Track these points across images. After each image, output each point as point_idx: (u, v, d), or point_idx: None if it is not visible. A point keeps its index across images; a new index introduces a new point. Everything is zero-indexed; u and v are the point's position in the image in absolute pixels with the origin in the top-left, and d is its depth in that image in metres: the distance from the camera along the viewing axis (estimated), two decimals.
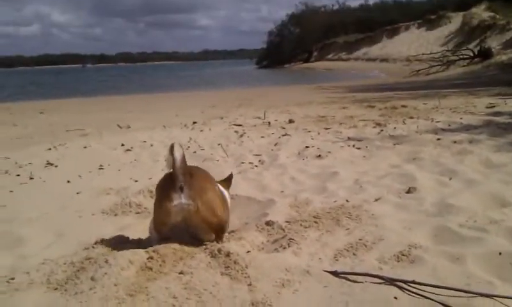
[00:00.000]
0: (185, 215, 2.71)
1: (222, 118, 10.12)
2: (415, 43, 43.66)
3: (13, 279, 2.65)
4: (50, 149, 7.07)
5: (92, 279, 2.47)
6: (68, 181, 4.95)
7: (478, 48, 28.41)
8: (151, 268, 2.50)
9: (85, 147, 7.15)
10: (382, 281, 2.27)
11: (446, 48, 33.60)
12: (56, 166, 5.74)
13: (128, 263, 2.57)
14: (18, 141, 8.43)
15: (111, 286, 2.37)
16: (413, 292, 2.15)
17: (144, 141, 7.35)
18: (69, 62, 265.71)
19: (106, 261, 2.58)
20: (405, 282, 2.22)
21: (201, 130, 8.26)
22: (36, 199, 4.37)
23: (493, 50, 27.17)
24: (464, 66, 27.30)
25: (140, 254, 2.65)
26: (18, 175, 5.33)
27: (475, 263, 2.45)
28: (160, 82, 39.10)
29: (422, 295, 2.12)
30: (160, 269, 2.50)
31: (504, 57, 25.31)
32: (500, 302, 2.05)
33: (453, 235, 2.85)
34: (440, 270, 2.37)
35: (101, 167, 5.56)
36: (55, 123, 11.10)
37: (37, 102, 20.22)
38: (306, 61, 66.77)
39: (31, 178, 5.17)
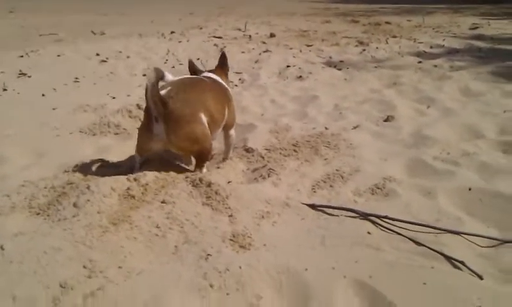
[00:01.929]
0: (163, 144, 2.71)
1: (201, 28, 9.84)
2: None
3: None
4: (22, 56, 6.84)
5: (75, 205, 2.49)
6: (43, 95, 4.85)
7: None
8: (133, 196, 2.53)
9: (59, 55, 6.93)
10: (357, 215, 2.36)
11: None
12: (30, 76, 5.59)
13: (111, 191, 2.59)
14: None
15: (94, 213, 2.40)
16: (385, 228, 2.25)
17: (120, 51, 7.15)
18: None
19: (88, 188, 2.60)
20: (378, 217, 2.32)
21: (179, 41, 8.04)
22: (11, 114, 4.28)
23: None
24: None
25: (122, 182, 2.67)
26: None
27: (446, 198, 2.55)
28: None
29: (394, 231, 2.22)
30: (142, 197, 2.54)
31: None
32: (466, 239, 2.17)
33: (426, 168, 2.94)
34: (412, 205, 2.47)
35: (76, 80, 5.44)
36: (27, 26, 10.63)
37: None
38: None
39: (5, 89, 5.03)
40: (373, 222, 2.31)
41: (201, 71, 3.27)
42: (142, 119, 2.85)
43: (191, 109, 2.71)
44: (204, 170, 2.83)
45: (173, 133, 2.62)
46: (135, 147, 2.92)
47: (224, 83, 3.21)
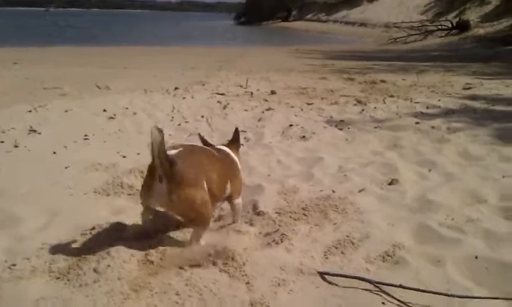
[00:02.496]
0: (163, 203, 2.77)
1: (204, 85, 10.10)
2: (395, 9, 43.49)
3: (14, 265, 2.72)
4: (30, 111, 7.00)
5: (95, 271, 2.57)
6: (54, 153, 4.96)
7: (457, 19, 28.71)
8: (152, 262, 2.62)
9: (66, 111, 7.09)
10: (370, 283, 2.44)
11: (425, 17, 33.88)
12: (40, 133, 5.71)
13: (130, 256, 2.68)
14: None
15: (114, 279, 2.48)
16: (398, 300, 2.33)
17: (127, 108, 7.32)
18: (29, 4, 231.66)
19: (108, 253, 2.69)
20: (393, 286, 2.40)
21: (184, 98, 8.26)
22: (23, 172, 4.38)
23: (471, 22, 27.51)
24: (442, 37, 27.63)
25: (141, 247, 2.77)
26: (2, 142, 5.30)
27: (454, 266, 2.65)
28: (137, 34, 38.20)
29: (407, 303, 2.31)
30: (160, 263, 2.62)
31: (481, 31, 25.70)
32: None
33: (433, 234, 3.05)
34: (423, 273, 2.56)
35: (86, 137, 5.57)
36: (31, 78, 10.86)
37: (5, 49, 19.55)
38: (285, 19, 65.99)
39: (16, 146, 5.15)
40: (386, 293, 2.38)
41: (212, 145, 3.36)
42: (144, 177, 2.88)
43: (195, 173, 2.76)
44: (202, 242, 2.83)
45: (175, 194, 2.64)
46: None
47: (234, 157, 3.33)
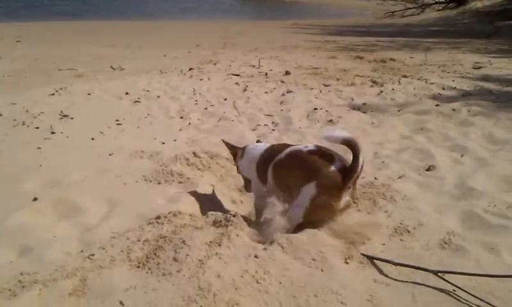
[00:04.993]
0: (344, 207, 3.06)
1: (215, 64, 10.17)
2: None
3: (93, 255, 2.86)
4: (53, 94, 7.07)
5: (175, 260, 2.73)
6: (93, 139, 5.07)
7: None
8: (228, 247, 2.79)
9: (89, 94, 7.16)
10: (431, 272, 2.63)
11: None
12: (72, 118, 5.81)
13: (204, 244, 2.84)
14: (13, 79, 8.31)
15: (195, 267, 2.64)
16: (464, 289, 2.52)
17: (148, 90, 7.42)
18: None
19: (184, 242, 2.85)
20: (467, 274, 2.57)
21: (201, 79, 8.34)
22: (69, 159, 4.50)
23: None
24: (439, 10, 27.62)
25: (212, 234, 2.93)
26: (37, 128, 5.40)
27: (508, 252, 2.84)
28: (130, 7, 37.57)
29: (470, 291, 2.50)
30: (233, 251, 2.78)
31: (478, 4, 25.74)
32: None
33: (481, 221, 3.23)
34: (483, 260, 2.75)
35: (118, 123, 5.67)
36: (41, 58, 10.84)
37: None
38: None
39: (53, 132, 5.24)
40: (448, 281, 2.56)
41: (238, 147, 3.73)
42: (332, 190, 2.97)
43: None
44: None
45: (353, 196, 3.12)
46: (298, 212, 3.04)
47: None
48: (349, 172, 2.94)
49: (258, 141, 3.86)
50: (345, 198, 2.99)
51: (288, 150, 3.26)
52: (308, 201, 2.95)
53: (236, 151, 3.69)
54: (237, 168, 3.74)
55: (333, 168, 2.95)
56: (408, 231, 3.12)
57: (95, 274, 2.68)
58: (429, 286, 2.52)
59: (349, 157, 3.00)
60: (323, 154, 3.06)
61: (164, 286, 2.54)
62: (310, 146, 3.19)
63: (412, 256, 2.82)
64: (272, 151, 3.38)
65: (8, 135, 5.17)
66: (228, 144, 3.76)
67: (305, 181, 2.98)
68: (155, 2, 42.25)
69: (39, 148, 4.79)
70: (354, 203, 3.51)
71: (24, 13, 25.99)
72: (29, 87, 7.45)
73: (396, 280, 2.59)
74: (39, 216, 3.40)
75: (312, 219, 3.03)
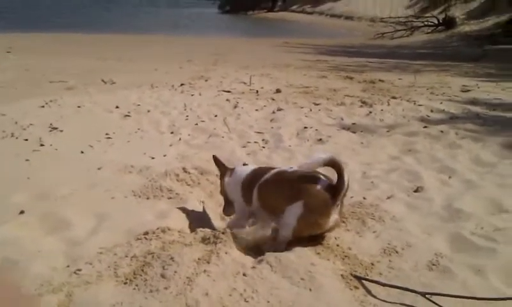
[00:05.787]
0: (333, 225, 3.11)
1: (206, 80, 10.21)
2: (380, 2, 43.83)
3: (79, 270, 2.83)
4: (43, 106, 7.04)
5: (163, 276, 2.71)
6: (82, 152, 5.05)
7: (443, 15, 29.18)
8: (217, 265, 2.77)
9: (79, 106, 7.15)
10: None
11: (411, 12, 34.35)
12: (61, 131, 5.78)
13: (192, 261, 2.83)
14: (3, 90, 8.31)
15: (183, 285, 2.63)
16: None
17: (138, 105, 7.42)
18: None
19: (172, 259, 2.83)
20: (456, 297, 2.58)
21: (192, 95, 8.37)
22: (58, 173, 4.47)
23: (457, 19, 28.01)
24: (428, 33, 28.09)
25: (200, 251, 2.92)
26: (26, 140, 5.37)
27: (495, 275, 2.86)
28: (121, 21, 37.66)
29: None
30: (221, 269, 2.77)
31: (466, 28, 26.23)
32: None
33: (468, 244, 3.25)
34: (468, 282, 2.77)
35: (108, 136, 5.66)
36: (32, 69, 10.82)
37: None
38: (271, 10, 65.86)
39: (42, 145, 5.22)
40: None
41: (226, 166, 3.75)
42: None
43: None
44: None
45: (341, 214, 3.16)
46: (287, 232, 3.07)
47: None
48: (335, 189, 2.99)
49: (244, 164, 3.88)
50: (334, 216, 3.03)
51: (273, 171, 3.32)
52: (295, 220, 2.99)
53: (225, 171, 3.70)
54: (221, 188, 3.73)
55: (319, 187, 3.01)
56: (397, 252, 3.13)
57: (82, 290, 2.65)
58: None
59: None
60: (308, 174, 3.11)
61: (151, 303, 2.52)
62: (295, 167, 3.26)
63: (401, 277, 2.82)
64: (258, 172, 3.43)
65: None
66: (218, 162, 3.76)
67: (291, 201, 3.01)
68: (147, 17, 42.57)
69: (27, 160, 4.76)
70: (343, 222, 3.54)
71: (17, 24, 25.97)
72: (19, 99, 7.42)
73: (384, 301, 2.60)
74: (25, 229, 3.36)
75: (301, 236, 3.06)
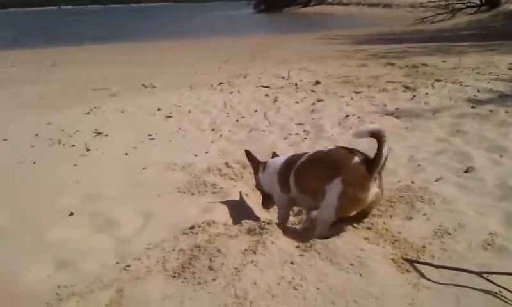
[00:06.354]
0: (376, 199, 3.04)
1: (245, 77, 10.22)
2: None
3: (129, 266, 2.88)
4: (88, 113, 7.24)
5: (210, 268, 2.71)
6: (127, 154, 5.15)
7: None
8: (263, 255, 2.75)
9: (122, 111, 7.31)
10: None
11: None
12: (106, 136, 5.93)
13: (239, 252, 2.81)
14: (49, 101, 8.57)
15: (231, 275, 2.62)
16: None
17: (179, 106, 7.51)
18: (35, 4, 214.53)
19: (219, 251, 2.83)
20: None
21: (231, 93, 8.39)
22: (104, 175, 4.58)
23: None
24: (471, 14, 27.08)
25: (246, 242, 2.90)
26: (73, 146, 5.53)
27: None
28: (157, 28, 38.40)
29: None
30: (268, 258, 2.74)
31: None
32: None
33: None
34: None
35: (151, 138, 5.75)
36: (75, 79, 11.18)
37: (32, 50, 20.07)
38: (306, 5, 65.41)
39: (88, 149, 5.36)
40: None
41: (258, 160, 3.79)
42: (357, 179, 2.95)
43: None
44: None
45: (381, 188, 3.05)
46: (330, 213, 3.02)
47: None
48: (373, 162, 2.93)
49: (274, 153, 3.84)
50: (374, 189, 2.96)
51: (308, 154, 3.30)
52: (336, 198, 2.94)
53: (258, 165, 3.71)
54: (257, 183, 3.74)
55: (355, 161, 2.95)
56: (449, 234, 3.01)
57: (131, 285, 2.68)
58: (474, 288, 2.41)
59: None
60: (343, 151, 3.08)
61: (200, 295, 2.52)
62: (330, 147, 3.25)
63: (454, 259, 2.71)
64: (292, 159, 3.40)
65: (45, 154, 5.32)
66: (250, 156, 3.77)
67: (330, 180, 2.97)
68: (184, 23, 43.12)
69: (75, 165, 4.90)
70: (391, 207, 3.44)
71: (59, 39, 26.94)
72: (65, 108, 7.67)
73: (438, 283, 2.50)
74: (75, 230, 3.46)
75: (343, 215, 3.02)
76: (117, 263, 2.96)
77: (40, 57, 16.99)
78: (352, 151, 3.04)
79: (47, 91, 9.70)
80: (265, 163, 3.65)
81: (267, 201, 3.67)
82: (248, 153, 3.79)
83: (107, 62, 15.04)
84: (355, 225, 3.07)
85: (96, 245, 3.23)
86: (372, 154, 2.99)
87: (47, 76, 11.92)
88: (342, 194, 2.92)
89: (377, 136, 2.94)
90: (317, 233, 3.05)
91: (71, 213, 3.67)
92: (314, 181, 3.11)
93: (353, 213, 3.06)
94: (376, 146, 2.96)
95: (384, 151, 2.92)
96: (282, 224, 3.39)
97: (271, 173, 3.52)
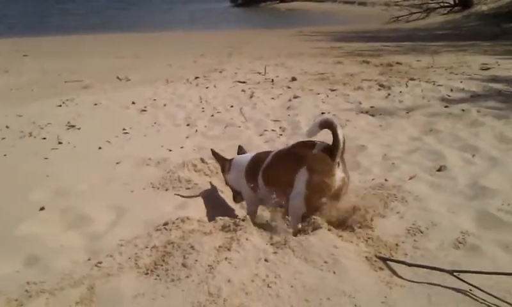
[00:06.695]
0: (343, 186, 3.05)
1: (221, 72, 10.16)
2: None
3: (100, 263, 2.82)
4: (60, 105, 7.09)
5: (184, 265, 2.68)
6: (100, 148, 5.06)
7: None
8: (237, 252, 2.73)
9: (95, 104, 7.18)
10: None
11: None
12: (79, 129, 5.81)
13: (213, 249, 2.79)
14: (20, 92, 8.37)
15: (204, 273, 2.59)
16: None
17: (154, 99, 7.42)
18: None
19: (192, 248, 2.80)
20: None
21: (207, 87, 8.33)
22: (77, 169, 4.49)
23: None
24: (444, 14, 27.47)
25: (221, 239, 2.88)
26: (44, 138, 5.41)
27: None
28: (135, 18, 37.82)
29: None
30: (243, 255, 2.72)
31: (484, 7, 25.56)
32: None
33: (495, 221, 3.16)
34: (499, 260, 2.68)
35: (125, 131, 5.67)
36: (48, 71, 10.92)
37: (8, 39, 19.54)
38: (283, 0, 65.35)
39: (60, 143, 5.24)
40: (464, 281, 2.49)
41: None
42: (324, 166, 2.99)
43: None
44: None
45: (347, 172, 3.09)
46: (300, 202, 3.04)
47: None
48: (332, 148, 3.00)
49: (240, 147, 3.94)
50: (340, 174, 3.01)
51: (272, 153, 3.41)
52: (304, 186, 3.00)
53: (224, 164, 3.76)
54: (225, 180, 3.80)
55: (316, 150, 3.05)
56: (422, 232, 3.06)
57: (103, 282, 2.63)
58: (445, 287, 2.45)
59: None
60: (305, 143, 3.18)
61: (173, 292, 2.49)
62: (292, 143, 3.39)
63: (427, 257, 2.75)
64: (258, 159, 3.48)
65: (15, 146, 5.19)
66: (216, 155, 3.83)
67: (296, 171, 3.04)
68: (161, 15, 42.62)
69: (46, 158, 4.80)
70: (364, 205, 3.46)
71: (33, 28, 26.28)
72: (36, 100, 7.50)
73: (411, 281, 2.53)
74: (46, 225, 3.39)
75: (313, 204, 3.04)
76: (88, 259, 2.91)
77: (12, 47, 16.53)
78: (312, 142, 3.12)
79: (18, 81, 9.46)
80: (231, 161, 3.71)
81: (236, 196, 3.74)
82: (214, 152, 3.85)
83: (81, 54, 14.75)
84: (329, 223, 3.08)
85: (68, 241, 3.16)
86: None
87: (19, 66, 11.63)
88: (308, 181, 2.99)
89: (328, 125, 3.05)
90: (291, 226, 3.10)
91: (42, 208, 3.58)
92: (282, 177, 3.18)
93: (323, 201, 3.05)
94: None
95: (340, 136, 2.98)
96: (252, 219, 3.38)
97: (237, 172, 3.60)
